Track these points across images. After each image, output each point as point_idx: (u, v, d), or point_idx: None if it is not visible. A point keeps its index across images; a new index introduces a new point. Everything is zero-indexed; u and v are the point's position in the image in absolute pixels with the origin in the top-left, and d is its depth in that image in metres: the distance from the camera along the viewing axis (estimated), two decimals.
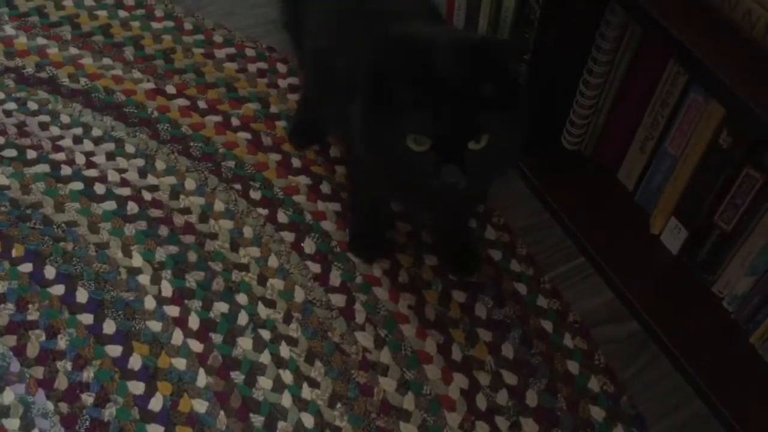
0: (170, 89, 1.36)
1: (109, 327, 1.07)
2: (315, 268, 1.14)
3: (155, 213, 1.19)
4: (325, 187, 1.23)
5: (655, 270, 1.15)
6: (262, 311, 1.10)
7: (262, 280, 1.13)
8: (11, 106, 1.32)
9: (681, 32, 0.85)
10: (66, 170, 1.24)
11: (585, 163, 1.25)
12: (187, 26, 1.47)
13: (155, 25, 1.47)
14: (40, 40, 1.42)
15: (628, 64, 1.09)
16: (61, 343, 1.06)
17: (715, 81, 0.82)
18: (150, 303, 1.10)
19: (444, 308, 1.11)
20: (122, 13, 1.48)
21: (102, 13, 1.48)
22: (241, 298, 1.11)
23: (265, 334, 1.08)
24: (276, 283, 1.13)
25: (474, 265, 1.15)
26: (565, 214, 1.20)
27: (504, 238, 1.19)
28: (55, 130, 1.29)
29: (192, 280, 1.12)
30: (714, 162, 1.01)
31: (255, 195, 1.22)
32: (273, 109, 1.34)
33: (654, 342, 1.10)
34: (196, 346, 1.06)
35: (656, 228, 1.16)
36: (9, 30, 1.44)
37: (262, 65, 1.41)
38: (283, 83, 1.38)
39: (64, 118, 1.31)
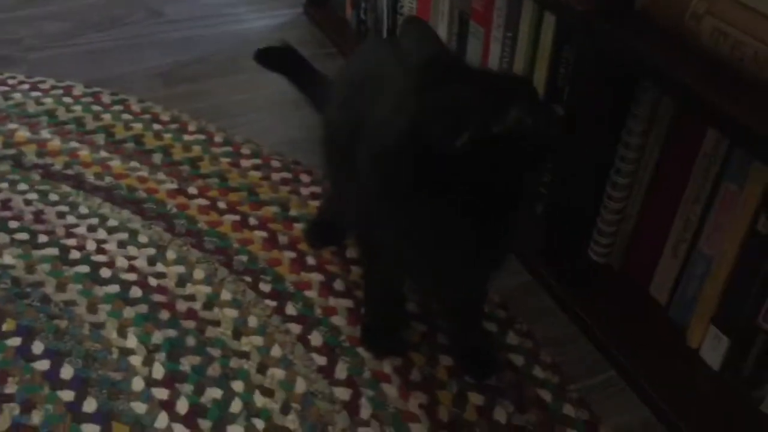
0: (192, 190, 1.35)
1: (89, 405, 0.98)
2: (321, 360, 1.05)
3: (158, 298, 1.13)
4: (338, 285, 1.17)
5: (696, 388, 1.04)
6: (258, 399, 1.00)
7: (262, 369, 1.04)
8: (32, 196, 1.32)
9: (720, 99, 0.84)
10: (74, 254, 1.20)
11: (615, 275, 1.18)
12: (218, 139, 1.49)
13: (187, 137, 1.50)
14: (73, 144, 1.45)
15: (657, 162, 1.06)
16: (35, 418, 0.96)
17: (758, 142, 0.79)
18: (138, 384, 1.01)
19: (459, 410, 1.00)
20: (156, 126, 1.52)
21: (137, 125, 1.52)
22: (237, 385, 1.01)
23: (259, 424, 0.97)
24: (277, 373, 1.03)
25: (491, 367, 1.05)
26: (596, 327, 1.12)
27: (527, 344, 1.10)
28: (71, 219, 1.27)
29: (187, 363, 1.04)
30: (753, 252, 0.94)
31: (265, 287, 1.16)
32: (293, 212, 1.32)
33: None
34: (181, 431, 0.95)
35: (695, 341, 1.06)
36: (45, 134, 1.48)
37: (287, 175, 1.41)
38: (305, 191, 1.37)
39: (83, 210, 1.29)
